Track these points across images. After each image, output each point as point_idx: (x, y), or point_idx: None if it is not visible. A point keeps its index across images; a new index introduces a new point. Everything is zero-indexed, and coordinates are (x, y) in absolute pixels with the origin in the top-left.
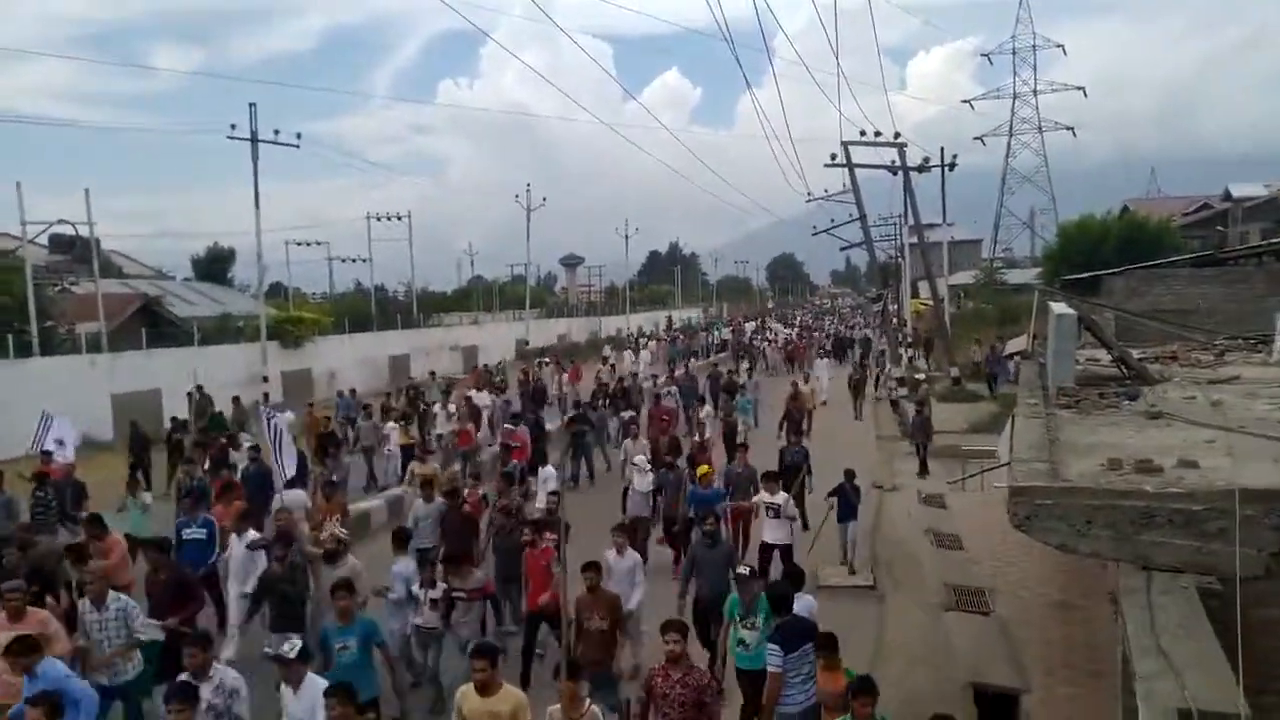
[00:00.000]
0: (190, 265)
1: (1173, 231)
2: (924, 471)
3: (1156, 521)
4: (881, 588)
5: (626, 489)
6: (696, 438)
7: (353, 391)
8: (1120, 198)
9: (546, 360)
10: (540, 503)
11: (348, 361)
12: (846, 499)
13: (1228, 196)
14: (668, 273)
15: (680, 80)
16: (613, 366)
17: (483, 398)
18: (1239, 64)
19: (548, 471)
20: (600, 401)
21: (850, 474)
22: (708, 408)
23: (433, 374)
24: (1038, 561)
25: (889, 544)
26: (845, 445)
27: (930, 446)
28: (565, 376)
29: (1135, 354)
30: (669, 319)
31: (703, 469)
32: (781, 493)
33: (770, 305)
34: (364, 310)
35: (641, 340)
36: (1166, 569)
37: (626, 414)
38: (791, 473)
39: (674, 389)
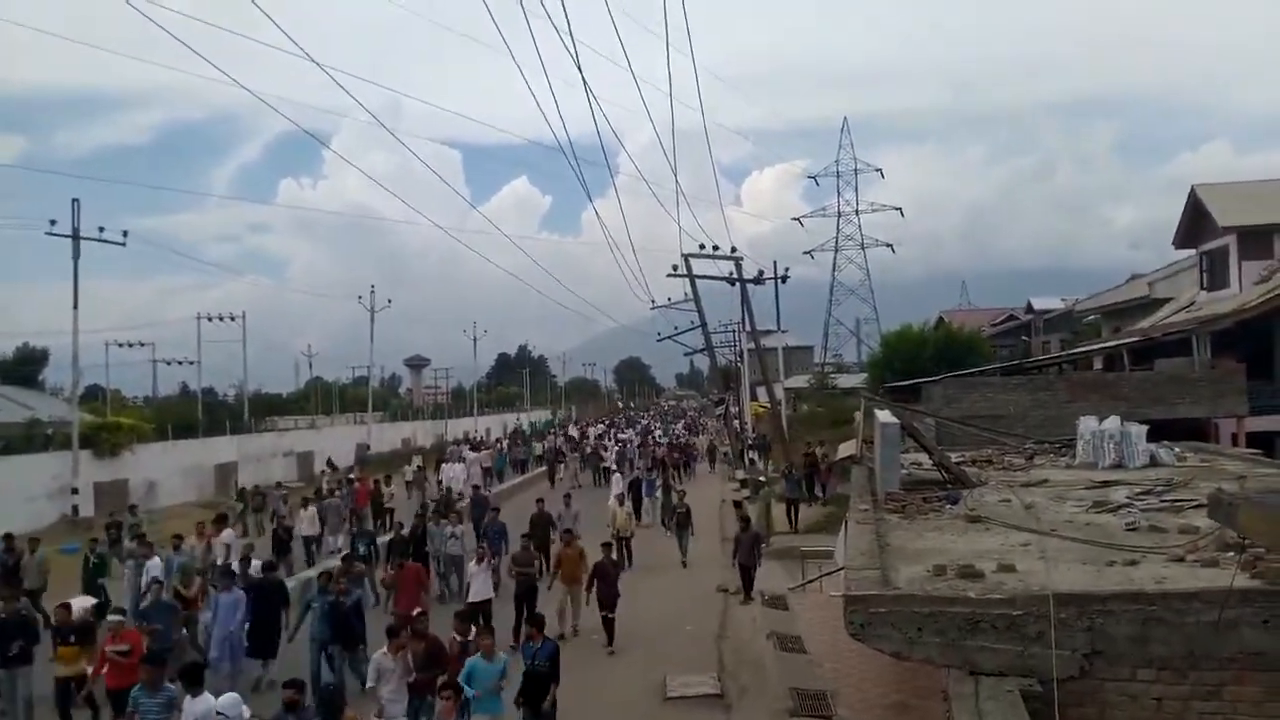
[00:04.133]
0: None
1: (983, 341)
2: (747, 598)
3: (981, 627)
4: (728, 695)
5: None
6: (457, 638)
7: (7, 539)
8: (936, 309)
9: (325, 471)
10: None
11: (169, 470)
12: None
13: (1030, 309)
14: (517, 375)
15: (529, 188)
16: (411, 484)
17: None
18: (1034, 189)
19: (202, 707)
20: (357, 554)
21: None
22: (473, 566)
23: (133, 507)
24: (875, 661)
25: (734, 649)
26: (674, 577)
27: (759, 564)
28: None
29: (954, 458)
30: (519, 421)
31: None
32: None
33: (623, 407)
34: (190, 415)
35: (456, 449)
36: (992, 673)
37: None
38: (530, 683)
39: (457, 532)
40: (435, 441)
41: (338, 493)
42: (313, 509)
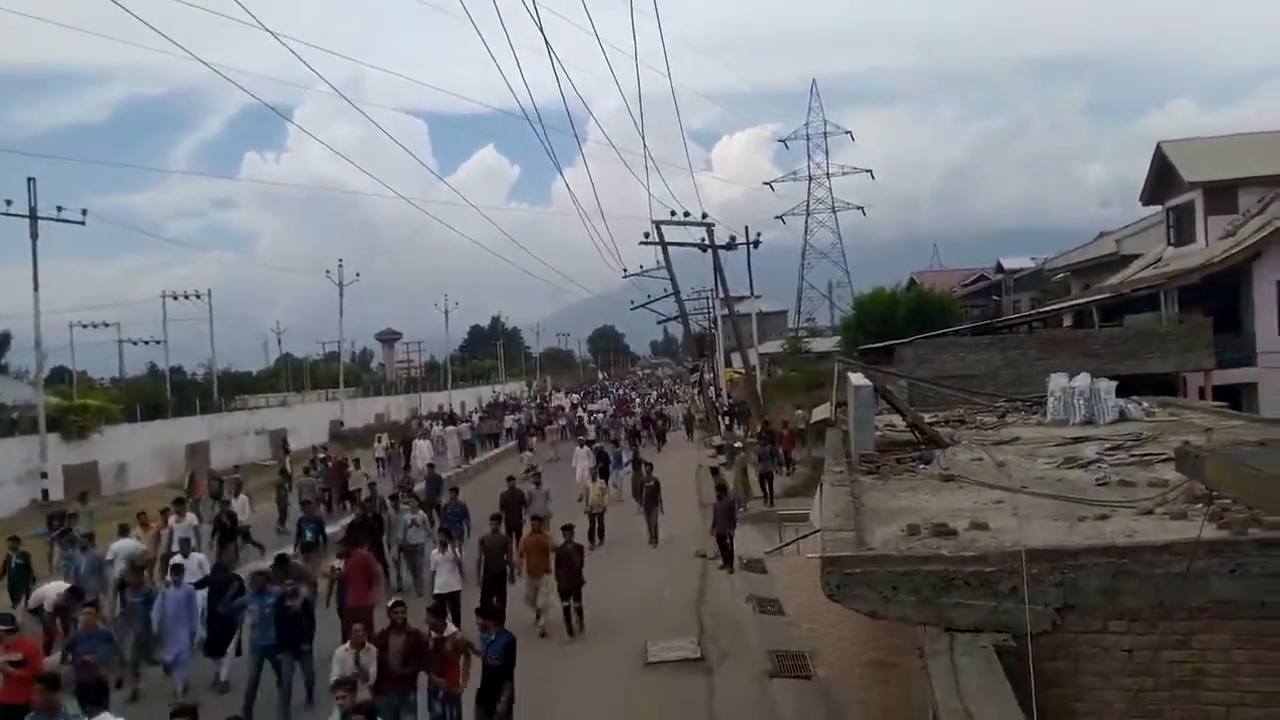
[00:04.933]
0: None
1: (954, 301)
2: (728, 564)
3: (955, 584)
4: (709, 659)
5: None
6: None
7: None
8: (907, 270)
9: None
10: None
11: (140, 452)
12: None
13: (1000, 268)
14: (490, 347)
15: (497, 157)
16: (384, 460)
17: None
18: (1004, 149)
19: None
20: (304, 543)
21: None
22: (436, 554)
23: (83, 495)
24: (852, 621)
25: (713, 613)
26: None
27: (734, 534)
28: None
29: (927, 418)
30: (495, 393)
31: None
32: None
33: (602, 376)
34: (159, 395)
35: (426, 425)
36: (967, 629)
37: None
38: (486, 679)
39: (418, 518)
40: (410, 416)
41: (311, 472)
42: (244, 497)
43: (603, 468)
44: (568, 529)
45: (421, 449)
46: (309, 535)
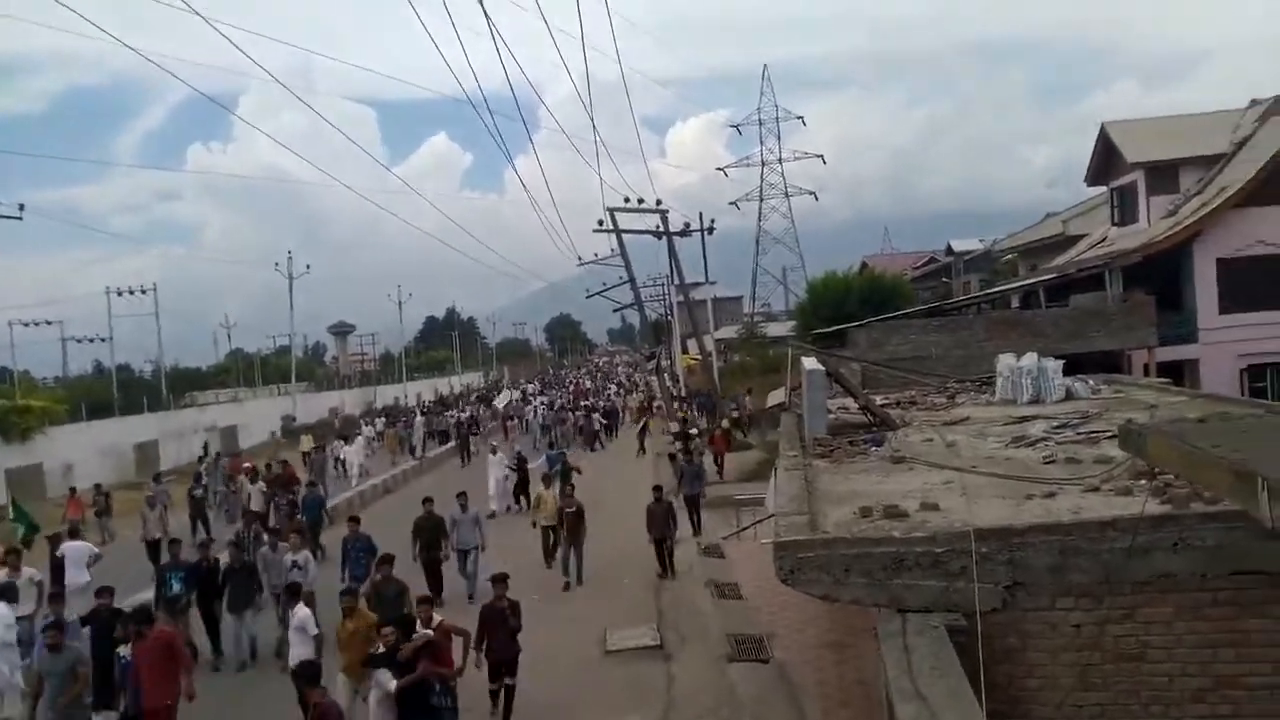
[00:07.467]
0: None
1: (905, 284)
2: (667, 572)
3: (906, 565)
4: (668, 646)
5: None
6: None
7: None
8: (860, 253)
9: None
10: None
11: (87, 452)
12: None
13: (950, 251)
14: (446, 338)
15: (449, 145)
16: (308, 457)
17: None
18: (952, 131)
19: None
20: (167, 597)
21: None
22: (299, 611)
23: None
24: (810, 603)
25: (672, 599)
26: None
27: (672, 543)
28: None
29: (879, 400)
30: (452, 385)
31: None
32: None
33: (554, 367)
34: (105, 394)
35: (364, 422)
36: (919, 610)
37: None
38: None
39: (300, 558)
40: (364, 409)
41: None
42: (158, 509)
43: (520, 479)
44: (499, 580)
45: (350, 452)
46: (175, 587)
